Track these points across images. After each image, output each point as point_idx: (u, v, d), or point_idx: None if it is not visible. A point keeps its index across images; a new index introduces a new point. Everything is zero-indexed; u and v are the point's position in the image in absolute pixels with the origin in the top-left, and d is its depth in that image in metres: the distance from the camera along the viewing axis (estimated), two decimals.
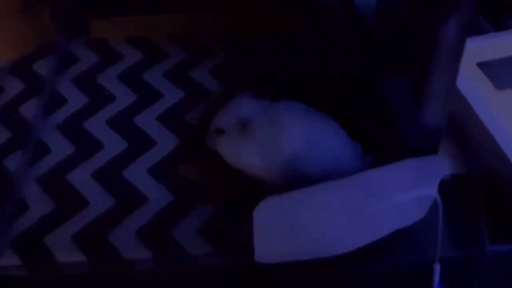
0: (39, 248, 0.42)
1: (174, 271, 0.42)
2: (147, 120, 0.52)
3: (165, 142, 0.49)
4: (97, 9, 0.58)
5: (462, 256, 0.43)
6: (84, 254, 0.42)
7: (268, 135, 0.43)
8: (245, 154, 0.43)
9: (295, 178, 0.42)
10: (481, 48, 0.52)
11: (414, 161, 0.37)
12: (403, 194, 0.38)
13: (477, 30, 0.56)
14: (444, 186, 0.46)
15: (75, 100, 0.54)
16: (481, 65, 0.51)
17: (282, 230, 0.37)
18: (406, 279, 0.44)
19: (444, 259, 0.42)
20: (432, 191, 0.39)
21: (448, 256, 0.43)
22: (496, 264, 0.43)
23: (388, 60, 0.44)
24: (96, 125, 0.51)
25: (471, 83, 0.50)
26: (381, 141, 0.43)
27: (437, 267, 0.42)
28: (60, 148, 0.49)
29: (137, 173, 0.47)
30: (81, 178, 0.47)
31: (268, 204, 0.36)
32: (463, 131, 0.49)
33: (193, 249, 0.42)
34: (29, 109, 0.52)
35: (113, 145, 0.50)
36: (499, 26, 0.58)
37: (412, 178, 0.38)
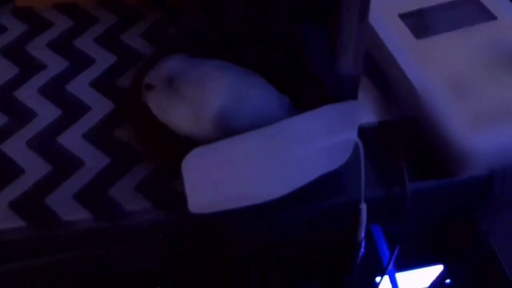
0: None
1: (114, 228, 0.43)
2: (80, 87, 0.52)
3: (100, 107, 0.50)
4: None
5: (386, 195, 0.46)
6: (22, 219, 0.43)
7: (195, 92, 0.43)
8: (173, 109, 0.43)
9: (225, 134, 0.43)
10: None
11: (332, 107, 0.39)
12: (323, 139, 0.40)
13: None
14: (369, 132, 0.50)
15: (5, 70, 0.53)
16: (402, 16, 0.54)
17: (210, 180, 0.39)
18: (336, 219, 0.47)
19: (370, 198, 0.45)
20: (352, 135, 0.42)
21: (374, 196, 0.46)
22: (416, 200, 0.47)
23: (301, 12, 0.45)
24: (28, 94, 0.51)
25: (393, 33, 0.53)
26: (304, 92, 0.45)
27: (364, 207, 0.45)
28: None
29: (72, 139, 0.48)
30: (16, 147, 0.47)
31: (194, 155, 0.37)
32: (386, 80, 0.52)
33: (131, 206, 0.43)
34: None
35: (47, 113, 0.50)
36: None
37: (331, 123, 0.40)
